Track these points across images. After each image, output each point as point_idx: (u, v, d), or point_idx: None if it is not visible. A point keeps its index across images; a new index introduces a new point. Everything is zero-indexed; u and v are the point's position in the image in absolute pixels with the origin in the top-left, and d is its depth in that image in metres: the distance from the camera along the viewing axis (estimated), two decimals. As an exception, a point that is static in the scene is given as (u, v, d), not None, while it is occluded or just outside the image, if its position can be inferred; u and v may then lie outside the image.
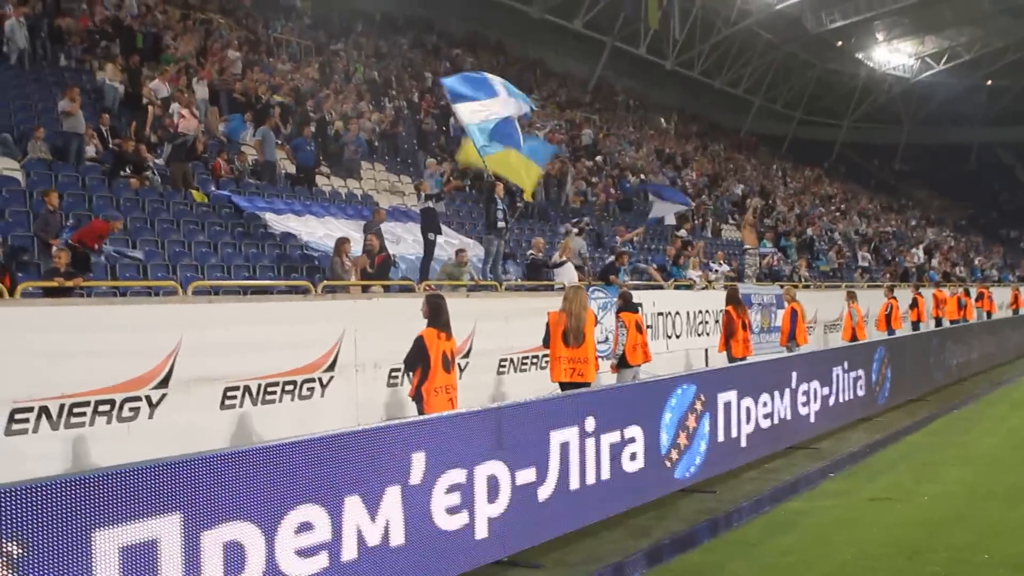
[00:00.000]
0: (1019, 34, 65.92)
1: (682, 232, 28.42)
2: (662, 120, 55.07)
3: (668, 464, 9.52)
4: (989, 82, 73.66)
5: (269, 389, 11.38)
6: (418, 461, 6.57)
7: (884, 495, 9.70)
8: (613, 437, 8.64)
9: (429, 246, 18.07)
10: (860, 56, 69.51)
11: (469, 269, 18.13)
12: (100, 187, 17.50)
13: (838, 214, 51.06)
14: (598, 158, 36.03)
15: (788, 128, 72.11)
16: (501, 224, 17.89)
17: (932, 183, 75.95)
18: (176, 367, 10.43)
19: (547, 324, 11.66)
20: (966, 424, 14.84)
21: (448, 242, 20.20)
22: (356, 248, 16.65)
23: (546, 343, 11.72)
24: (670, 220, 26.33)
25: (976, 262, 52.95)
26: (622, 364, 13.75)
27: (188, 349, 10.51)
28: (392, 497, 6.35)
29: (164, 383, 10.36)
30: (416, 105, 31.35)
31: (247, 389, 11.14)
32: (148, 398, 10.23)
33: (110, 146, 18.38)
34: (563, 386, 11.34)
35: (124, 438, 9.93)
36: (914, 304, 26.00)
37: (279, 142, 22.63)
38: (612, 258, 20.89)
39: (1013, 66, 69.85)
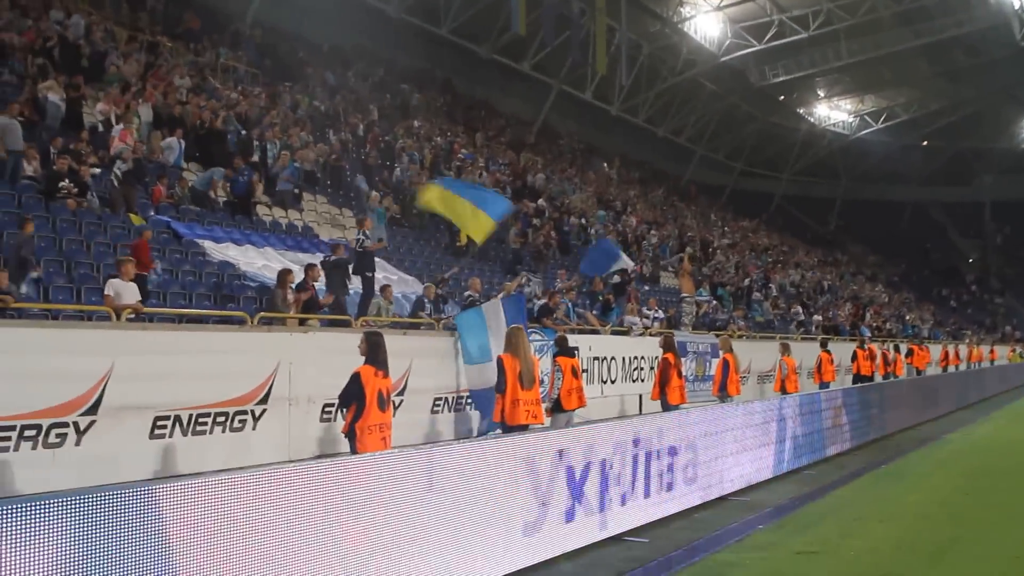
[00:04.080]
0: (955, 97, 67.63)
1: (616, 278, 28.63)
2: (605, 165, 55.50)
3: (601, 510, 9.53)
4: (925, 142, 75.24)
5: (200, 420, 11.24)
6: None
7: (811, 549, 9.76)
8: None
9: (368, 283, 18.00)
10: (801, 111, 70.81)
11: (392, 306, 18.16)
12: (37, 207, 17.24)
13: (776, 266, 51.69)
14: (540, 200, 36.20)
15: (729, 178, 73.09)
16: None
17: (866, 239, 77.20)
18: (106, 394, 10.28)
19: (500, 367, 11.53)
20: (893, 480, 15.01)
21: (388, 278, 20.14)
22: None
23: (500, 388, 11.52)
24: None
25: (907, 318, 53.84)
26: (556, 409, 13.74)
27: (119, 376, 10.36)
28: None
29: (93, 410, 10.20)
30: (361, 138, 31.31)
31: (178, 419, 11.00)
32: (76, 424, 10.06)
33: (54, 167, 18.09)
34: (512, 429, 11.26)
35: (49, 465, 9.74)
36: (871, 356, 26.54)
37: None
38: (546, 300, 20.98)
39: (948, 128, 71.55)
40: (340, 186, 27.49)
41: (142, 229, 17.18)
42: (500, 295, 19.25)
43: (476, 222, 16.05)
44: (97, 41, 25.29)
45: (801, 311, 40.76)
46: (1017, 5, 52.87)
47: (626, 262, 24.06)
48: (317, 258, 19.91)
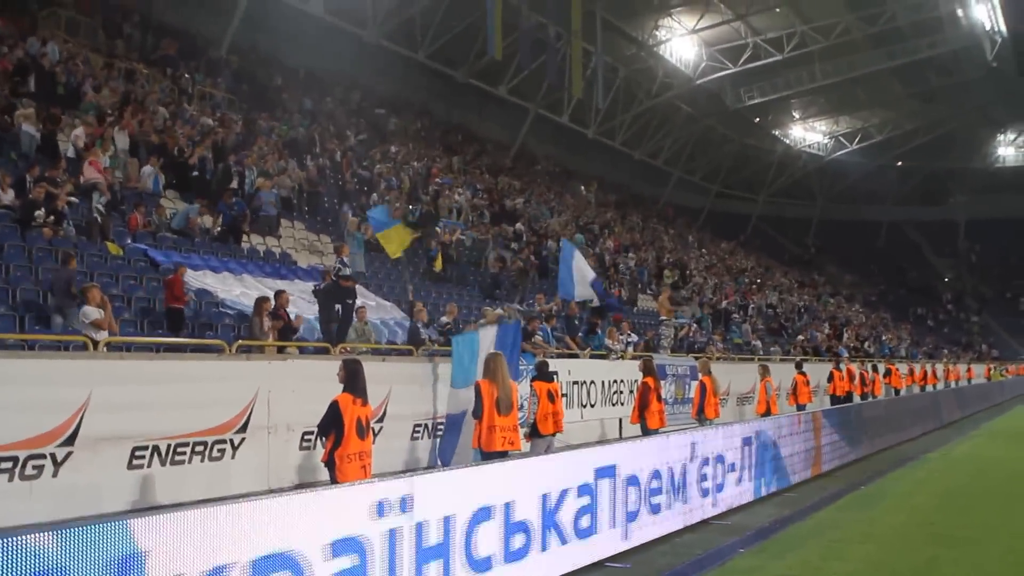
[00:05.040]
0: (928, 117, 68.31)
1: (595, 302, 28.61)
2: (582, 188, 55.64)
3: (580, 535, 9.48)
4: (899, 163, 75.79)
5: (179, 450, 11.19)
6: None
7: (792, 572, 9.77)
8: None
9: (347, 311, 17.97)
10: (776, 133, 71.30)
11: (369, 329, 18.14)
12: (13, 235, 17.16)
13: (753, 287, 51.84)
14: (519, 224, 36.26)
15: (705, 200, 73.43)
16: None
17: (843, 259, 77.65)
18: (84, 424, 10.23)
19: (478, 393, 11.57)
20: (872, 501, 15.04)
21: (366, 303, 20.09)
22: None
23: (477, 414, 11.58)
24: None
25: (884, 338, 54.08)
26: (534, 433, 13.72)
27: (97, 406, 10.31)
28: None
29: (70, 440, 10.15)
30: (338, 164, 31.30)
31: (156, 449, 10.95)
32: (53, 456, 10.00)
33: (30, 196, 18.02)
34: (489, 455, 11.25)
35: (26, 497, 9.68)
36: (848, 377, 26.79)
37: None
38: (524, 324, 21.02)
39: (922, 148, 72.23)
40: (317, 212, 27.45)
41: (178, 265, 17.58)
42: (481, 322, 19.17)
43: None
44: (73, 69, 25.22)
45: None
46: (988, 26, 53.50)
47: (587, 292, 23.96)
48: (295, 285, 19.94)
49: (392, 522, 6.74)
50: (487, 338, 14.78)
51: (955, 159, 74.96)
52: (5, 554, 4.32)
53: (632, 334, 25.60)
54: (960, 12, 52.07)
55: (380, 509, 6.66)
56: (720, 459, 13.03)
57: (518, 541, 8.35)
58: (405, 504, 6.89)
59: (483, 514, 7.85)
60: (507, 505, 8.22)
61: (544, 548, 8.75)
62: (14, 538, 4.37)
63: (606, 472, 9.94)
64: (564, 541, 9.09)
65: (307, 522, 5.97)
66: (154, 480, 10.87)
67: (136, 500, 10.62)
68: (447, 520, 7.37)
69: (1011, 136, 77.03)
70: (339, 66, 41.99)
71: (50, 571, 4.47)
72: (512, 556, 8.27)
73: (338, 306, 18.17)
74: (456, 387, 14.74)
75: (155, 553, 4.95)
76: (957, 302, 77.21)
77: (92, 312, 13.26)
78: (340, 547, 6.21)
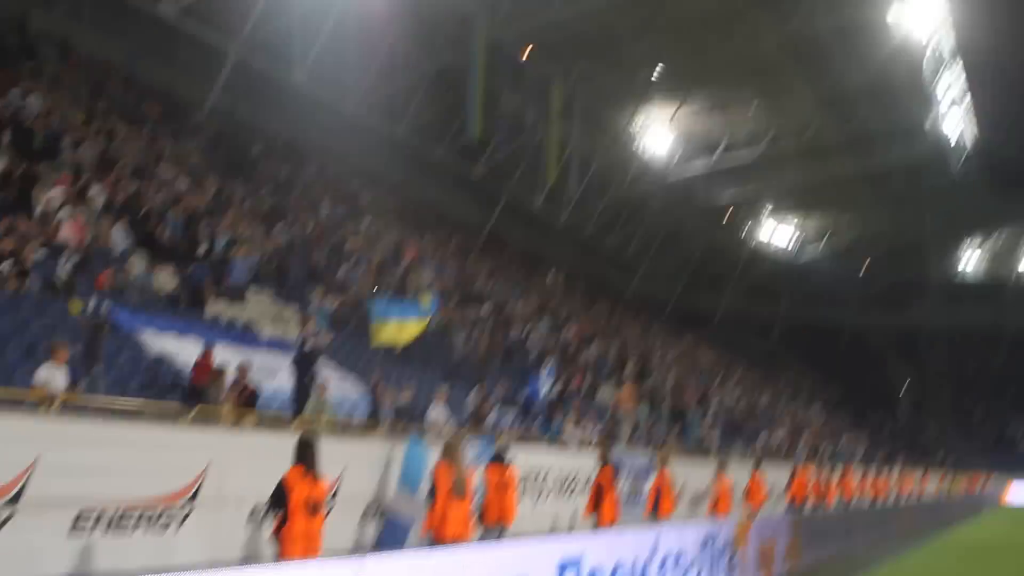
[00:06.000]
0: (896, 224, 69.28)
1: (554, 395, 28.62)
2: (550, 274, 55.78)
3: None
4: (865, 267, 76.67)
5: (124, 517, 11.03)
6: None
7: None
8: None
9: (309, 383, 17.91)
10: (746, 231, 71.96)
11: (329, 404, 18.00)
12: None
13: (714, 384, 51.84)
14: (484, 308, 36.28)
15: (672, 294, 73.64)
16: None
17: (805, 361, 77.98)
18: (28, 486, 10.08)
19: (433, 476, 11.48)
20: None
21: (329, 377, 20.00)
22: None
23: (431, 496, 11.43)
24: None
25: (841, 444, 54.19)
26: (481, 521, 13.57)
27: (44, 468, 10.17)
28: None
29: (14, 501, 9.99)
30: (309, 236, 31.31)
31: (100, 515, 10.78)
32: (-5, 516, 9.85)
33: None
34: (439, 542, 11.12)
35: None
36: (806, 481, 26.72)
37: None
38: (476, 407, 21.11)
39: (889, 254, 73.25)
40: (284, 282, 27.35)
41: (207, 343, 17.93)
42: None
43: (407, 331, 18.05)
44: (52, 124, 25.19)
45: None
46: (957, 139, 54.82)
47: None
48: (257, 354, 19.86)
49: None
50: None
51: (920, 266, 75.76)
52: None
53: (590, 425, 25.59)
54: (929, 124, 53.19)
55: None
56: (678, 558, 12.98)
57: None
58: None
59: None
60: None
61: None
62: None
63: (571, 564, 9.92)
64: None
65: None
66: (95, 548, 10.68)
67: (76, 566, 10.44)
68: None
69: (975, 250, 78.06)
70: (318, 137, 42.24)
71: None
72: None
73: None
74: (403, 486, 14.60)
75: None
76: (916, 410, 77.59)
77: (48, 371, 13.12)
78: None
